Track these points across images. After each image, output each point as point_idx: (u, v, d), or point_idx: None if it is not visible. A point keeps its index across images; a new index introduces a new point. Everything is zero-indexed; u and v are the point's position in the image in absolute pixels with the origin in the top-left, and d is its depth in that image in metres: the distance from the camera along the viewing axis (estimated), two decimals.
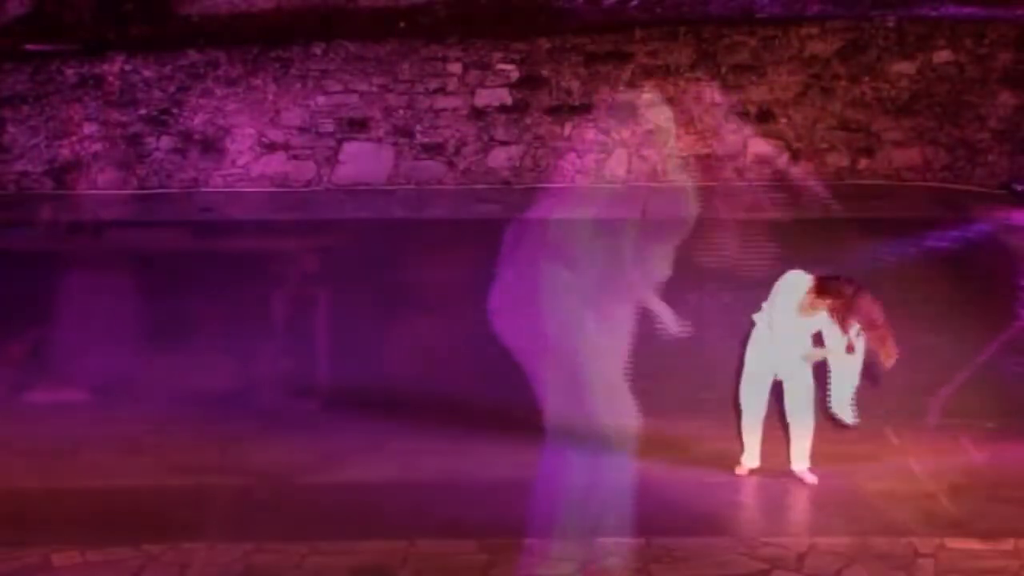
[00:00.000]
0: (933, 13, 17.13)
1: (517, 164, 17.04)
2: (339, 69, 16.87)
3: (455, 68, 16.93)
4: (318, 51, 16.87)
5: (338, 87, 16.89)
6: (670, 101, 16.92)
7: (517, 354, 11.66)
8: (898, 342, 9.90)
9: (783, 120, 17.14)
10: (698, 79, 16.89)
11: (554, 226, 15.11)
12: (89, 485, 10.12)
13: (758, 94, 17.07)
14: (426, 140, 17.00)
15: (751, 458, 10.28)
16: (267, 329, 12.90)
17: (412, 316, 13.01)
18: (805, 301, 9.84)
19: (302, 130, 16.94)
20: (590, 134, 16.96)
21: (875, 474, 10.27)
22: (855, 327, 9.77)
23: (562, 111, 16.98)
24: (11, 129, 16.75)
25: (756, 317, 10.17)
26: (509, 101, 16.99)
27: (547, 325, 12.33)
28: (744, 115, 17.04)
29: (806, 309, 9.85)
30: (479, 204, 16.45)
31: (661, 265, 13.14)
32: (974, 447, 10.63)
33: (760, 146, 17.15)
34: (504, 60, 16.93)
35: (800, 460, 10.17)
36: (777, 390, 10.19)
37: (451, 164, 17.04)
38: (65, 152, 16.83)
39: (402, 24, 17.26)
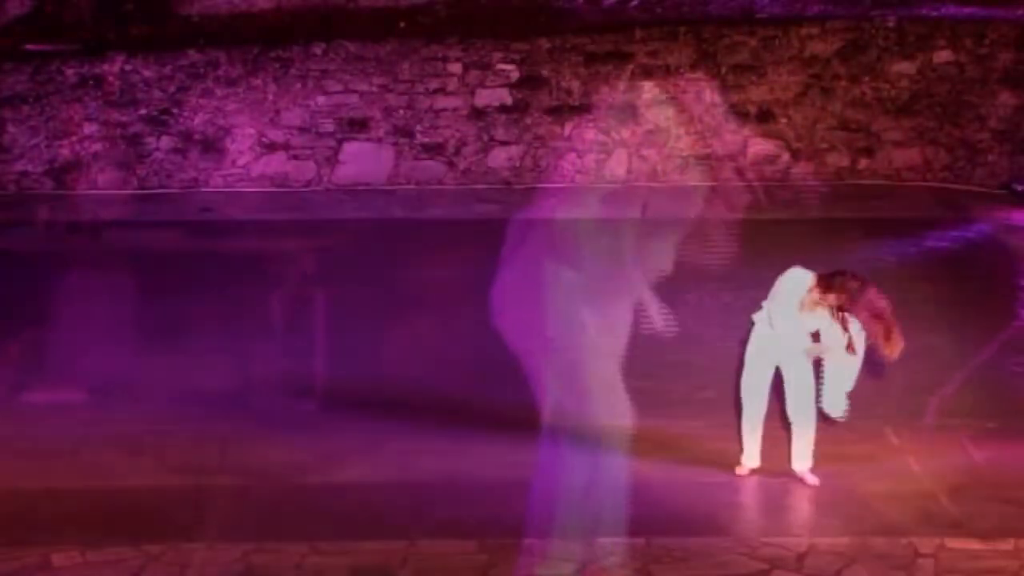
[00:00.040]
0: (933, 13, 17.14)
1: (517, 164, 17.04)
2: (339, 69, 16.88)
3: (455, 68, 16.94)
4: (318, 51, 16.88)
5: (338, 87, 16.90)
6: (670, 101, 16.92)
7: (517, 354, 11.66)
8: (895, 355, 9.89)
9: (783, 120, 17.15)
10: (698, 79, 16.89)
11: (554, 226, 15.11)
12: (89, 485, 10.11)
13: (758, 94, 17.07)
14: (426, 140, 17.01)
15: (751, 458, 10.27)
16: (267, 329, 12.90)
17: (412, 316, 13.01)
18: (806, 299, 9.83)
19: (302, 130, 16.95)
20: (590, 134, 16.96)
21: (875, 474, 10.26)
22: (856, 325, 9.76)
23: (562, 111, 16.98)
24: (11, 129, 16.75)
25: (756, 317, 10.16)
26: (509, 101, 17.00)
27: (547, 325, 12.32)
28: (744, 115, 17.05)
29: (807, 307, 9.85)
30: (479, 204, 16.45)
31: (660, 264, 13.14)
32: (974, 447, 10.62)
33: (760, 146, 17.15)
34: (504, 60, 16.94)
35: (801, 460, 10.16)
36: (778, 390, 10.18)
37: (451, 164, 17.04)
38: (65, 152, 16.83)
39: (402, 24, 17.27)
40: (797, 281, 9.90)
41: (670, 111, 16.94)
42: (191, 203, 16.53)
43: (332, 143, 17.00)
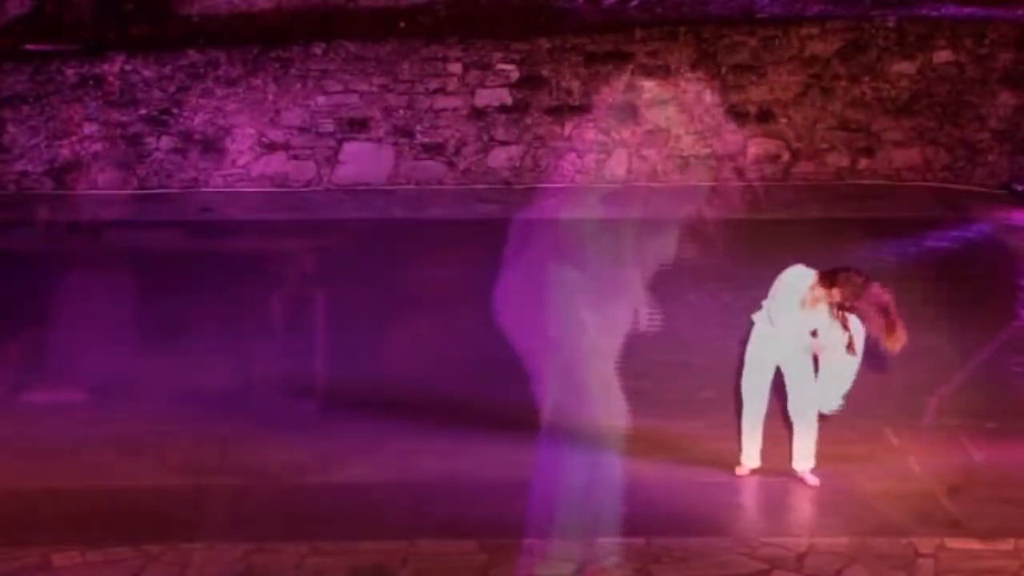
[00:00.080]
0: (933, 13, 17.15)
1: (517, 164, 17.04)
2: (339, 69, 16.88)
3: (455, 68, 16.94)
4: (318, 51, 16.87)
5: (338, 87, 16.89)
6: (670, 101, 16.92)
7: (517, 354, 11.66)
8: (898, 348, 9.89)
9: (783, 120, 17.14)
10: (698, 79, 16.89)
11: (554, 226, 15.11)
12: (89, 485, 10.11)
13: (758, 94, 17.07)
14: (426, 140, 17.01)
15: (751, 458, 10.26)
16: (267, 329, 12.89)
17: (412, 316, 13.01)
18: (807, 297, 9.83)
19: (302, 130, 16.95)
20: (590, 134, 16.95)
21: (875, 474, 10.26)
22: (856, 325, 9.76)
23: (562, 111, 16.98)
24: (11, 129, 16.75)
25: (755, 317, 10.16)
26: (509, 101, 17.00)
27: (547, 325, 12.32)
28: (744, 115, 17.05)
29: (808, 304, 9.84)
30: (479, 204, 16.45)
31: (659, 264, 13.14)
32: (974, 447, 10.62)
33: (760, 146, 17.15)
34: (504, 60, 16.93)
35: (803, 460, 10.15)
36: (779, 390, 10.18)
37: (451, 164, 17.04)
38: (65, 152, 16.83)
39: (402, 24, 17.27)
40: (798, 279, 9.90)
41: (670, 111, 16.94)
42: (191, 203, 16.53)
43: (332, 143, 17.00)
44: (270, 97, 16.87)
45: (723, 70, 16.98)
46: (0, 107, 16.70)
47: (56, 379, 11.76)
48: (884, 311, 9.59)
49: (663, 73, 16.85)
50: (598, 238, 14.53)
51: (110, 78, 16.75)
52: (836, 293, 9.73)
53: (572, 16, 17.40)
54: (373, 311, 13.14)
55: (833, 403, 9.97)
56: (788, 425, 10.20)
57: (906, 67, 17.04)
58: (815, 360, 10.03)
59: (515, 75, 16.96)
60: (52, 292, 13.43)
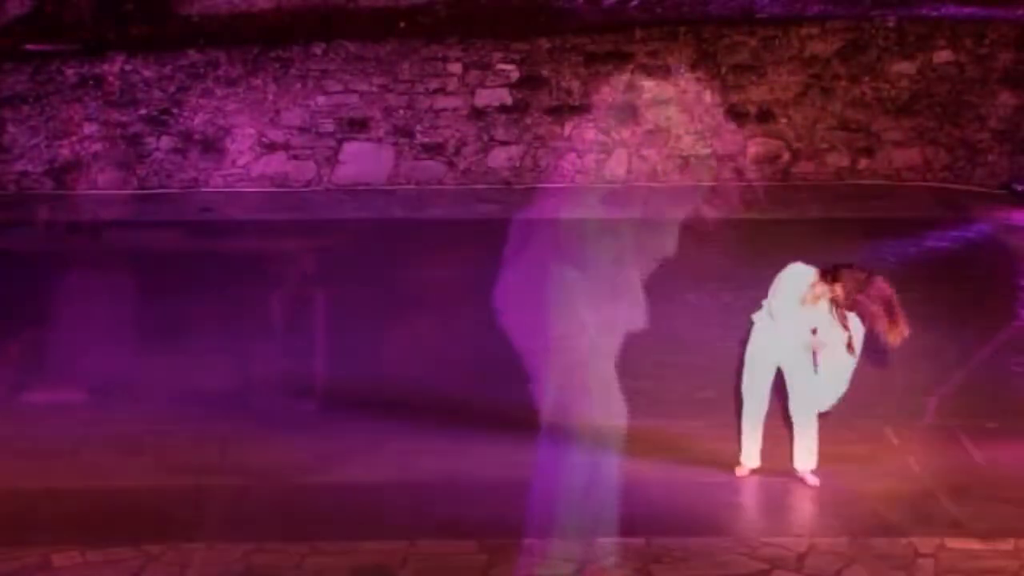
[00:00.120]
0: (933, 13, 17.15)
1: (517, 164, 17.04)
2: (339, 69, 16.88)
3: (455, 68, 16.94)
4: (318, 51, 16.87)
5: (338, 87, 16.90)
6: (670, 101, 16.93)
7: (518, 354, 11.66)
8: (899, 341, 9.90)
9: (783, 120, 17.15)
10: (698, 79, 16.89)
11: (554, 226, 15.11)
12: (89, 485, 10.10)
13: (758, 94, 17.07)
14: (426, 140, 17.01)
15: (750, 458, 10.26)
16: (267, 329, 12.89)
17: (412, 316, 13.01)
18: (808, 294, 9.83)
19: (302, 130, 16.95)
20: (590, 134, 16.96)
21: (875, 474, 10.25)
22: (855, 324, 9.76)
23: (562, 111, 16.98)
24: (11, 129, 16.75)
25: (755, 317, 10.16)
26: (509, 101, 17.00)
27: (548, 325, 12.32)
28: (744, 115, 17.05)
29: (808, 301, 9.84)
30: (479, 204, 16.45)
31: (659, 264, 13.14)
32: (974, 447, 10.62)
33: (760, 146, 17.15)
34: (504, 60, 16.94)
35: (803, 460, 10.15)
36: (779, 389, 10.17)
37: (451, 164, 17.04)
38: (65, 152, 16.83)
39: (402, 24, 17.27)
40: (798, 276, 9.90)
41: (670, 111, 16.94)
42: (191, 203, 16.53)
43: (332, 143, 17.00)
44: (270, 97, 16.87)
45: (723, 70, 16.99)
46: (0, 107, 16.70)
47: (56, 379, 11.76)
48: (887, 304, 9.59)
49: (663, 73, 16.85)
50: (598, 238, 14.54)
51: (110, 78, 16.75)
52: (839, 289, 9.72)
53: (572, 16, 17.41)
54: (373, 311, 13.14)
55: (830, 401, 9.97)
56: (788, 425, 10.20)
57: (906, 67, 17.04)
58: (815, 359, 10.03)
59: (515, 75, 16.97)
60: (52, 292, 13.43)
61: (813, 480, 10.13)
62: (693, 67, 16.89)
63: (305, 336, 12.80)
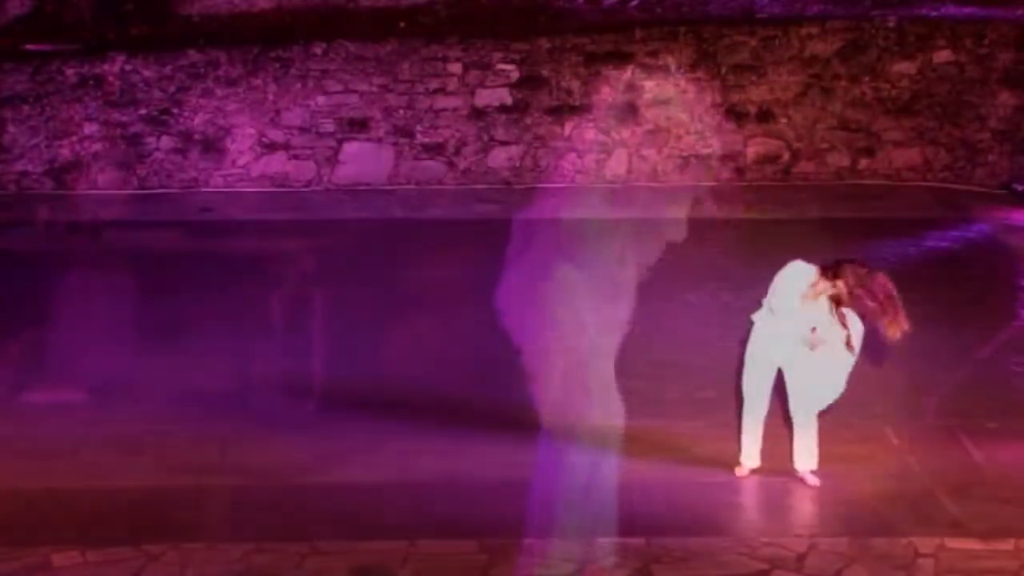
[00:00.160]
0: (933, 13, 17.15)
1: (517, 164, 17.04)
2: (339, 69, 16.88)
3: (455, 68, 16.94)
4: (318, 51, 16.87)
5: (338, 87, 16.90)
6: (670, 101, 16.93)
7: (518, 354, 11.66)
8: (899, 342, 9.90)
9: (783, 120, 17.15)
10: (698, 79, 16.89)
11: (554, 226, 15.11)
12: (89, 485, 10.10)
13: (758, 94, 17.08)
14: (426, 140, 17.01)
15: (750, 458, 10.25)
16: (267, 329, 12.89)
17: (412, 316, 13.01)
18: (808, 292, 9.82)
19: (302, 130, 16.95)
20: (590, 134, 16.96)
21: (875, 474, 10.25)
22: (854, 322, 9.76)
23: (562, 111, 16.99)
24: (11, 129, 16.75)
25: (755, 317, 10.15)
26: (509, 101, 17.00)
27: (548, 325, 12.32)
28: (744, 115, 17.05)
29: (808, 298, 9.84)
30: (479, 204, 16.46)
31: (658, 264, 13.14)
32: (974, 447, 10.62)
33: (760, 146, 17.15)
34: (504, 60, 16.94)
35: (804, 460, 10.14)
36: (779, 389, 10.17)
37: (451, 164, 17.04)
38: (65, 152, 16.83)
39: (402, 24, 17.27)
40: (798, 273, 9.89)
41: (670, 111, 16.94)
42: (191, 203, 16.53)
43: (332, 143, 17.00)
44: (270, 97, 16.88)
45: (723, 70, 16.99)
46: (0, 107, 16.71)
47: (56, 379, 11.75)
48: (889, 299, 9.60)
49: (663, 73, 16.84)
50: (598, 238, 14.53)
51: (110, 78, 16.75)
52: (840, 284, 9.72)
53: (572, 16, 17.41)
54: (373, 311, 13.14)
55: (828, 400, 9.97)
56: (788, 425, 10.20)
57: (906, 67, 17.04)
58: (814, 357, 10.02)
59: (515, 75, 16.97)
60: (52, 292, 13.43)
61: (813, 480, 10.13)
62: (693, 67, 16.90)
63: (305, 336, 12.80)
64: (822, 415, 10.08)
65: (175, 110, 16.82)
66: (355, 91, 16.90)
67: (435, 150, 17.02)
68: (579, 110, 16.96)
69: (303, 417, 11.13)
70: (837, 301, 9.78)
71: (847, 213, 16.02)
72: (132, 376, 11.81)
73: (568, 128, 16.98)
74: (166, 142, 16.87)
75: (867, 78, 17.04)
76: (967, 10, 17.14)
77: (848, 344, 9.80)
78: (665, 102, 16.93)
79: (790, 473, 10.14)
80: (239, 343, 12.43)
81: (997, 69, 16.93)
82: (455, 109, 16.96)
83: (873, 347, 10.00)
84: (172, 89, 16.80)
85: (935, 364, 11.85)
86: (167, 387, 11.55)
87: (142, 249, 15.04)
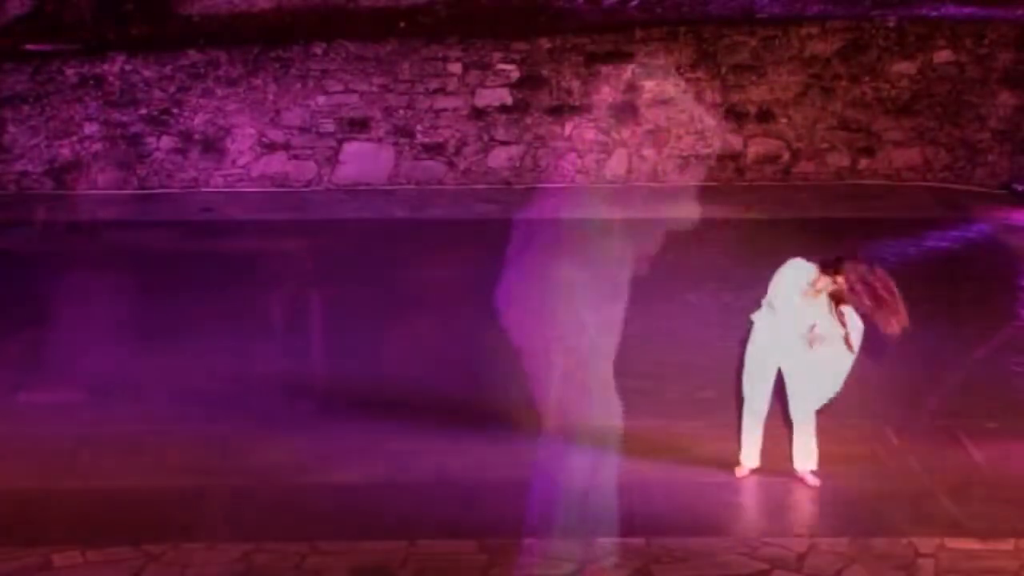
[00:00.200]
0: (933, 13, 17.16)
1: (517, 164, 17.04)
2: (339, 69, 16.88)
3: (455, 68, 16.94)
4: (318, 51, 16.88)
5: (338, 87, 16.90)
6: (670, 101, 16.93)
7: (518, 354, 11.67)
8: (898, 342, 9.90)
9: (783, 120, 17.15)
10: (698, 79, 16.90)
11: (554, 226, 15.12)
12: (89, 485, 10.10)
13: (758, 94, 17.08)
14: (426, 140, 17.01)
15: (750, 458, 10.25)
16: (267, 329, 12.89)
17: (412, 316, 13.01)
18: (808, 289, 9.82)
19: (302, 130, 16.96)
20: (590, 134, 16.96)
21: (875, 474, 10.25)
22: (853, 320, 9.75)
23: (562, 111, 16.99)
24: (11, 129, 16.76)
25: (755, 317, 10.15)
26: (509, 101, 17.00)
27: (548, 325, 12.33)
28: (744, 115, 17.06)
29: (808, 296, 9.83)
30: (479, 204, 16.46)
31: (657, 264, 13.16)
32: (974, 447, 10.61)
33: (760, 146, 17.16)
34: (504, 60, 16.94)
35: (803, 460, 10.13)
36: (779, 389, 10.16)
37: (451, 164, 17.04)
38: (65, 152, 16.84)
39: (402, 24, 17.27)
40: (797, 271, 9.89)
41: (670, 111, 16.95)
42: (191, 203, 16.53)
43: (332, 143, 17.01)
44: (270, 97, 16.88)
45: (723, 70, 16.99)
46: (0, 107, 16.71)
47: (56, 379, 11.75)
48: (889, 293, 9.60)
49: (663, 73, 16.85)
50: (598, 238, 14.55)
51: (110, 78, 16.76)
52: (841, 280, 9.71)
53: (572, 16, 17.41)
54: (373, 311, 13.14)
55: (826, 397, 9.97)
56: (788, 425, 10.19)
57: (906, 67, 17.05)
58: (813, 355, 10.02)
59: (515, 75, 16.97)
60: (52, 292, 13.43)
61: (813, 480, 10.12)
62: (693, 67, 16.90)
63: (305, 336, 12.81)
64: (822, 415, 10.07)
65: (175, 110, 16.83)
66: (355, 91, 16.90)
67: (435, 150, 17.02)
68: (579, 110, 16.96)
69: (303, 417, 11.12)
70: (837, 299, 9.78)
71: (847, 213, 16.02)
72: (132, 376, 11.80)
73: (568, 128, 16.98)
74: (166, 142, 16.87)
75: (867, 78, 17.04)
76: (967, 10, 17.14)
77: (847, 342, 9.80)
78: (665, 102, 16.94)
79: (790, 473, 10.14)
80: (239, 343, 12.43)
81: (997, 69, 16.93)
82: (455, 109, 16.96)
83: (874, 346, 10.00)
84: (172, 89, 16.81)
85: (935, 364, 11.85)
86: (167, 387, 11.54)
87: (142, 249, 15.04)
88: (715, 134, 16.97)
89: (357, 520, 9.61)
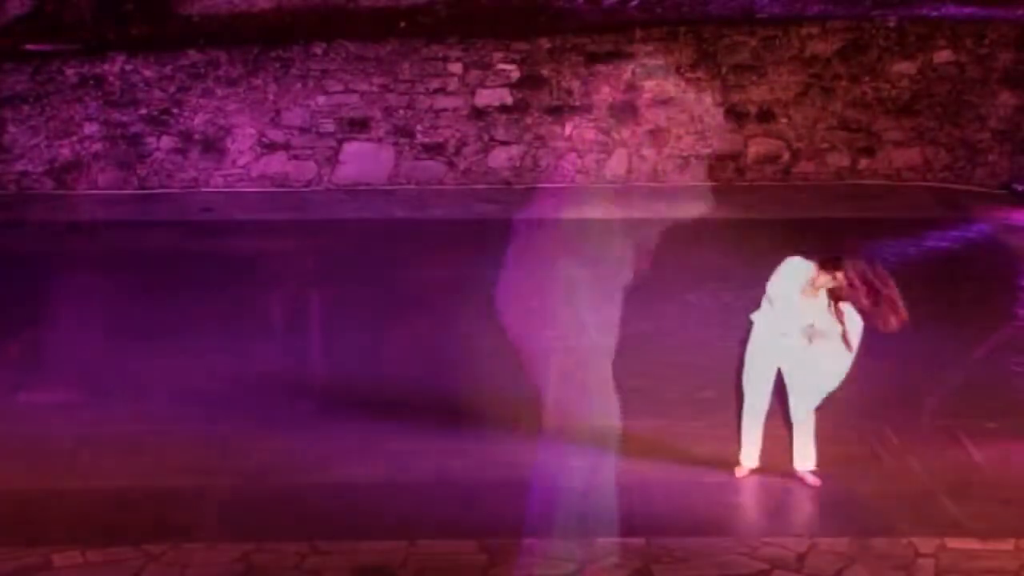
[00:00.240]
0: (933, 13, 17.16)
1: (517, 164, 17.04)
2: (339, 69, 16.88)
3: (455, 68, 16.94)
4: (318, 51, 16.88)
5: (338, 87, 16.90)
6: (670, 101, 16.94)
7: (517, 354, 11.67)
8: (897, 343, 9.90)
9: (783, 120, 17.15)
10: (698, 79, 16.89)
11: (554, 226, 15.12)
12: (89, 485, 10.10)
13: (758, 94, 17.08)
14: (426, 140, 17.01)
15: (749, 458, 10.25)
16: (267, 329, 12.89)
17: (412, 316, 13.01)
18: (807, 287, 9.82)
19: (303, 130, 16.96)
20: (590, 134, 16.96)
21: (875, 474, 10.25)
22: (852, 318, 9.75)
23: (562, 111, 16.99)
24: (11, 129, 16.76)
25: (755, 316, 10.15)
26: (509, 101, 17.00)
27: (548, 325, 12.33)
28: (744, 115, 17.05)
29: (808, 293, 9.83)
30: (479, 204, 16.45)
31: (656, 264, 13.15)
32: (974, 447, 10.61)
33: (760, 146, 17.15)
34: (504, 60, 16.94)
35: (803, 460, 10.14)
36: (779, 389, 10.16)
37: (451, 164, 17.04)
38: (65, 152, 16.83)
39: (402, 24, 17.27)
40: (795, 269, 9.89)
41: (670, 111, 16.94)
42: (191, 203, 16.53)
43: (332, 143, 17.00)
44: (270, 97, 16.88)
45: (723, 70, 16.99)
46: (0, 107, 16.71)
47: (56, 379, 11.75)
48: (888, 288, 9.61)
49: (663, 73, 16.85)
50: (598, 238, 14.55)
51: (110, 78, 16.76)
52: (841, 277, 9.71)
53: (572, 16, 17.41)
54: (373, 311, 13.14)
55: (826, 392, 9.97)
56: (788, 425, 10.19)
57: (906, 67, 17.04)
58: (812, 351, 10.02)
59: (515, 75, 16.97)
60: (52, 292, 13.43)
61: (813, 480, 10.12)
62: (693, 67, 16.90)
63: (305, 336, 12.81)
64: (822, 415, 10.07)
65: (175, 110, 16.83)
66: (355, 91, 16.90)
67: (435, 150, 17.02)
68: (579, 110, 16.96)
69: (303, 417, 11.12)
70: (836, 296, 9.78)
71: (847, 213, 16.02)
72: (132, 376, 11.80)
73: (568, 128, 16.98)
74: (166, 142, 16.87)
75: (867, 78, 17.04)
76: (967, 10, 17.14)
77: (845, 340, 9.80)
78: (665, 102, 16.94)
79: (790, 473, 10.14)
80: (239, 343, 12.43)
81: (997, 69, 16.93)
82: (455, 109, 16.96)
83: (874, 346, 10.00)
84: (172, 89, 16.81)
85: (935, 364, 11.85)
86: (167, 387, 11.54)
87: (142, 249, 15.04)
88: (715, 134, 16.97)
89: (357, 520, 9.61)
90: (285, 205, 16.44)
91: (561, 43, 16.95)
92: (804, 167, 17.18)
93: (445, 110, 16.96)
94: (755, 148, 17.12)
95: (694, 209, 15.72)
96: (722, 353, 11.22)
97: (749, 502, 10.07)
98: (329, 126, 16.93)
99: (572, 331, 12.27)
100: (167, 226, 15.77)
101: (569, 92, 16.96)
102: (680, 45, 16.90)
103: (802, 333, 9.87)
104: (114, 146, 16.81)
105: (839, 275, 9.72)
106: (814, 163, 17.16)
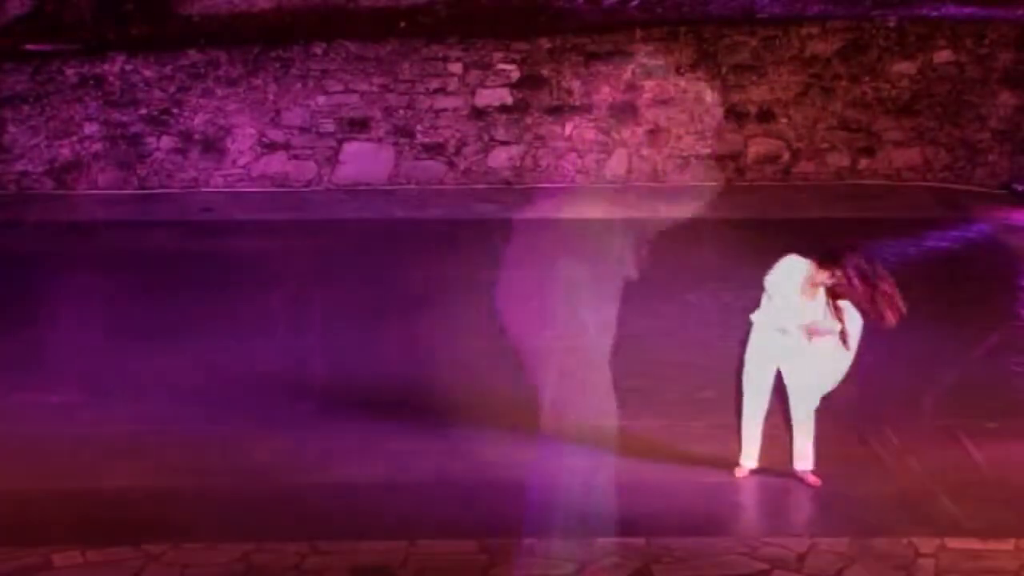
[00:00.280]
0: (933, 13, 17.16)
1: (517, 164, 17.04)
2: (339, 69, 16.88)
3: (455, 68, 16.94)
4: (318, 51, 16.88)
5: (339, 87, 16.90)
6: (670, 101, 16.94)
7: (517, 353, 11.67)
8: (897, 343, 9.90)
9: (783, 120, 17.15)
10: (698, 79, 16.90)
11: (554, 226, 15.13)
12: (89, 485, 10.10)
13: (758, 94, 17.08)
14: (426, 140, 17.02)
15: (749, 458, 10.25)
16: (267, 329, 12.89)
17: (412, 316, 13.01)
18: (805, 285, 9.82)
19: (303, 130, 16.96)
20: (590, 134, 16.96)
21: (875, 474, 10.25)
22: (851, 317, 9.75)
23: (562, 111, 16.99)
24: (11, 129, 16.76)
25: (754, 317, 10.15)
26: (509, 101, 17.00)
27: (547, 324, 12.34)
28: (744, 115, 17.05)
29: (806, 290, 9.83)
30: (479, 204, 16.45)
31: (656, 264, 13.15)
32: (974, 447, 10.61)
33: (760, 146, 17.15)
34: (504, 60, 16.94)
35: (802, 460, 10.14)
36: (779, 390, 10.16)
37: (451, 164, 17.04)
38: (65, 152, 16.83)
39: (402, 24, 17.27)
40: (794, 267, 9.89)
41: (670, 111, 16.94)
42: (191, 203, 16.53)
43: (332, 143, 17.01)
44: (270, 97, 16.88)
45: (723, 70, 16.99)
46: (0, 107, 16.71)
47: (56, 379, 11.75)
48: (886, 282, 9.61)
49: (663, 73, 16.85)
50: (598, 238, 14.55)
51: (110, 78, 16.76)
52: (840, 274, 9.71)
53: (572, 16, 17.41)
54: (373, 311, 13.14)
55: (825, 389, 9.97)
56: (788, 425, 10.19)
57: (906, 67, 17.05)
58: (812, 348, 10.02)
59: (515, 75, 16.97)
60: (52, 292, 13.43)
61: (813, 480, 10.13)
62: (693, 67, 16.90)
63: (305, 336, 12.80)
64: (823, 416, 10.07)
65: (175, 110, 16.83)
66: (355, 91, 16.90)
67: (435, 150, 17.02)
68: (579, 110, 16.96)
69: (303, 417, 11.12)
70: (835, 294, 9.78)
71: (847, 213, 16.02)
72: (132, 376, 11.81)
73: (568, 128, 16.98)
74: (166, 142, 16.87)
75: (867, 78, 17.04)
76: (967, 10, 17.14)
77: (843, 338, 9.80)
78: (665, 102, 16.94)
79: (790, 473, 10.14)
80: (239, 343, 12.43)
81: (997, 69, 16.93)
82: (455, 109, 16.96)
83: (874, 346, 10.00)
84: (172, 89, 16.81)
85: (935, 364, 11.85)
86: (167, 387, 11.55)
87: (142, 249, 15.05)
88: (715, 134, 16.97)
89: (357, 520, 9.61)
90: (285, 205, 16.44)
91: (561, 43, 16.95)
92: (804, 167, 17.18)
93: (445, 110, 16.96)
94: (755, 148, 17.12)
95: (694, 209, 15.72)
96: (722, 353, 11.21)
97: (749, 502, 10.07)
98: (329, 126, 16.93)
99: (572, 331, 12.27)
100: (167, 226, 15.77)
101: (569, 92, 16.96)
102: (680, 45, 16.90)
103: (801, 331, 9.87)
104: (114, 146, 16.81)
105: (838, 272, 9.72)
106: (814, 163, 17.16)
